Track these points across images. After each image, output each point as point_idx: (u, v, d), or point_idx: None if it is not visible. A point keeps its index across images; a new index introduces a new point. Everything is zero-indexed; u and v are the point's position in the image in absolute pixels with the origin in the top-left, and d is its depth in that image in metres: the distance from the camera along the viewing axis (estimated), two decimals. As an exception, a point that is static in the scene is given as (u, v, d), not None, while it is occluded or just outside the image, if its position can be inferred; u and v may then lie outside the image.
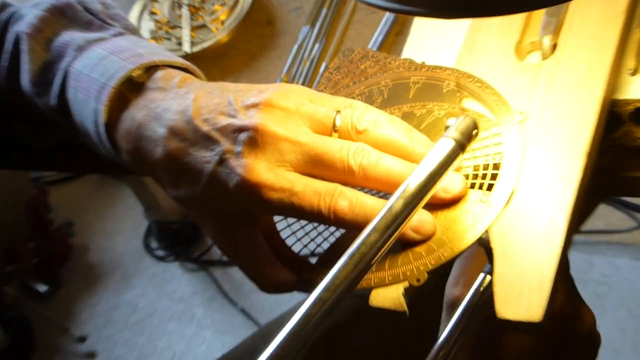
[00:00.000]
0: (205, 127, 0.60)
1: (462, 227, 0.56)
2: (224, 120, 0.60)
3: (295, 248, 0.64)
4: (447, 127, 0.55)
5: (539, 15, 0.67)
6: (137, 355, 2.18)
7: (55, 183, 2.62)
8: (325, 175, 0.58)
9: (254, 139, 0.57)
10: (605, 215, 1.97)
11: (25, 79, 0.74)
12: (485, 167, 0.59)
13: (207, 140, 0.60)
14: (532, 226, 0.55)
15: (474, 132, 0.55)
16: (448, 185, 0.57)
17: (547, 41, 0.65)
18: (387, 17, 0.85)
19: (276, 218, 0.65)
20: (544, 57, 0.65)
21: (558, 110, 0.60)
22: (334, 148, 0.58)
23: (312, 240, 0.64)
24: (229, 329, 2.16)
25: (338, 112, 0.60)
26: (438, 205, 0.58)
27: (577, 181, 0.56)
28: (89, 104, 0.67)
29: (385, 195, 0.61)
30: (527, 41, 0.68)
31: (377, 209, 0.56)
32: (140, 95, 0.66)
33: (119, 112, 0.66)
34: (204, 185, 0.59)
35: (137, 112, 0.65)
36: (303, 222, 0.64)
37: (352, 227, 0.57)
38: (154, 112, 0.64)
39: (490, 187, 0.58)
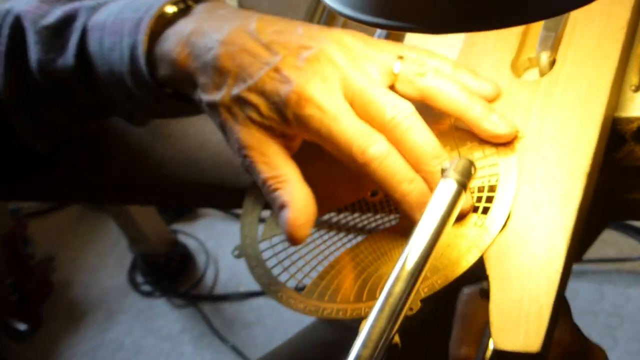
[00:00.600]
0: (267, 39, 0.63)
1: (456, 253, 0.56)
2: (289, 38, 0.63)
3: (282, 278, 0.63)
4: (443, 170, 0.56)
5: (537, 30, 0.67)
6: (122, 397, 2.16)
7: (35, 215, 2.61)
8: (367, 119, 0.61)
9: (317, 59, 0.61)
10: (616, 243, 1.96)
11: (34, 51, 0.75)
12: (481, 190, 0.59)
13: (267, 50, 0.62)
14: (530, 251, 0.55)
15: (472, 170, 0.56)
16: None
17: (545, 57, 0.65)
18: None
19: (262, 246, 0.64)
20: (542, 74, 0.65)
21: (557, 129, 0.60)
22: (381, 97, 0.60)
23: (299, 270, 0.63)
24: (220, 368, 2.14)
25: (400, 58, 0.63)
26: None
27: (577, 203, 0.56)
28: (121, 45, 0.69)
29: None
30: (524, 57, 0.68)
31: (402, 174, 0.59)
32: (185, 19, 0.68)
33: (157, 40, 0.68)
34: (250, 86, 0.62)
35: (186, 26, 0.67)
36: (290, 251, 0.64)
37: (372, 177, 0.59)
38: (209, 23, 0.66)
39: (485, 210, 0.58)
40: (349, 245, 0.63)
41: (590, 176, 0.58)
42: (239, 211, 0.69)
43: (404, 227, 0.61)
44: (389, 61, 0.63)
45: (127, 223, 2.24)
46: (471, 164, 0.56)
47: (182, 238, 2.40)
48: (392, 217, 0.63)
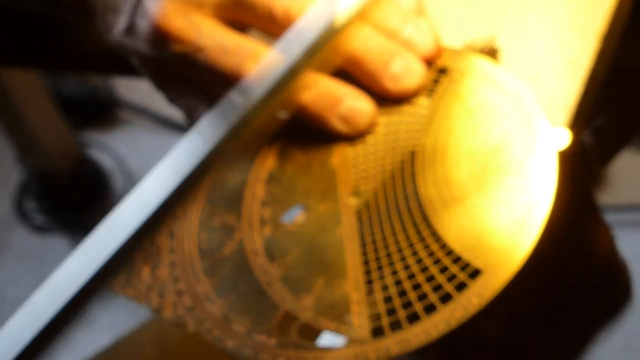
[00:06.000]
0: None
1: (492, 239, 0.55)
2: None
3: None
4: None
5: None
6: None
7: None
8: (249, 22, 0.63)
9: None
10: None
11: None
12: None
13: None
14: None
15: None
16: (398, 70, 0.61)
17: None
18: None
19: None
20: None
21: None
22: None
23: None
24: (139, 333, 2.08)
25: None
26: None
27: (585, 69, 0.58)
28: None
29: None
30: None
31: None
32: None
33: None
34: (122, 32, 0.66)
35: None
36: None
37: None
38: None
39: None
40: None
41: (608, 39, 0.61)
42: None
43: None
44: None
45: (16, 128, 2.12)
46: None
47: (94, 153, 2.35)
48: None
